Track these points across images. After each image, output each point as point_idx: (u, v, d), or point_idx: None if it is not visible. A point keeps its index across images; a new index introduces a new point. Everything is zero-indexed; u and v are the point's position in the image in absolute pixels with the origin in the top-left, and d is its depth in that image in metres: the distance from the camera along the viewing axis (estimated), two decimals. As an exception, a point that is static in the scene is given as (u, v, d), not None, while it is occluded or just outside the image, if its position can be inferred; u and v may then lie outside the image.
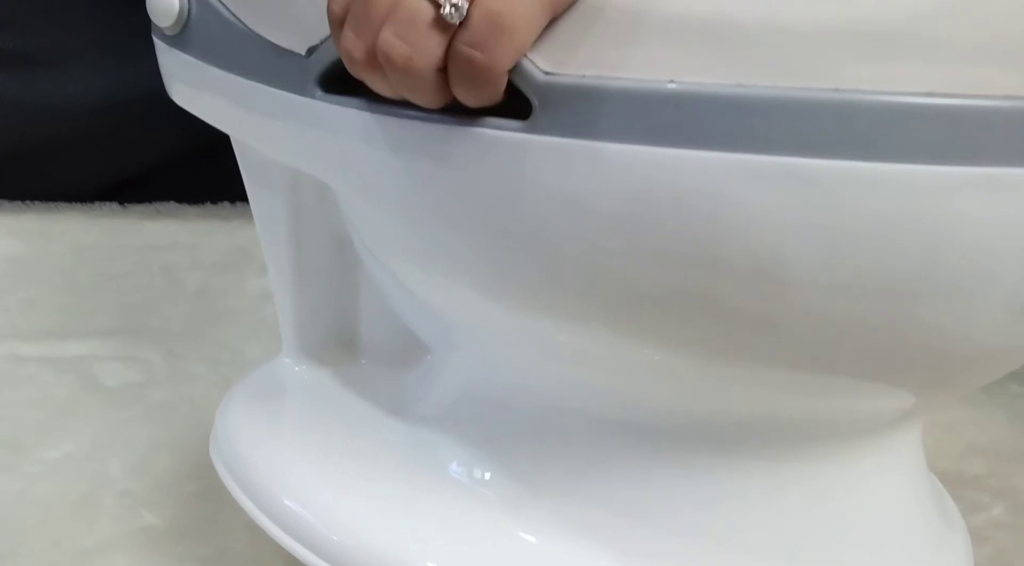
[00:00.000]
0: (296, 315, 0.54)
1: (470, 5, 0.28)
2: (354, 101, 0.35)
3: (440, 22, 0.28)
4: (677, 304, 0.30)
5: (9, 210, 1.08)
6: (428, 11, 0.28)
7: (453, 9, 0.28)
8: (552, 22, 0.29)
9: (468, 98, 0.30)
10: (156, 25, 0.48)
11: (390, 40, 0.29)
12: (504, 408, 0.44)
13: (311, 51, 0.37)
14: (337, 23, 0.32)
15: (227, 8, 0.41)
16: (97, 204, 1.10)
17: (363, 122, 0.34)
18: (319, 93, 0.37)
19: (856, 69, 0.26)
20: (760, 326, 0.29)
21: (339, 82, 0.36)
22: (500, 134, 0.30)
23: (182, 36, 0.45)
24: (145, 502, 0.67)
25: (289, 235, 0.51)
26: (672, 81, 0.27)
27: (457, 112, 0.31)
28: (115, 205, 1.10)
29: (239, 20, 0.41)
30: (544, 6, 0.28)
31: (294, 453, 0.48)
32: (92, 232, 1.05)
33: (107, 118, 1.06)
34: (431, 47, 0.29)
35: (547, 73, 0.29)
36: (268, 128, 0.42)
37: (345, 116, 0.35)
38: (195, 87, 0.46)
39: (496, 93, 0.29)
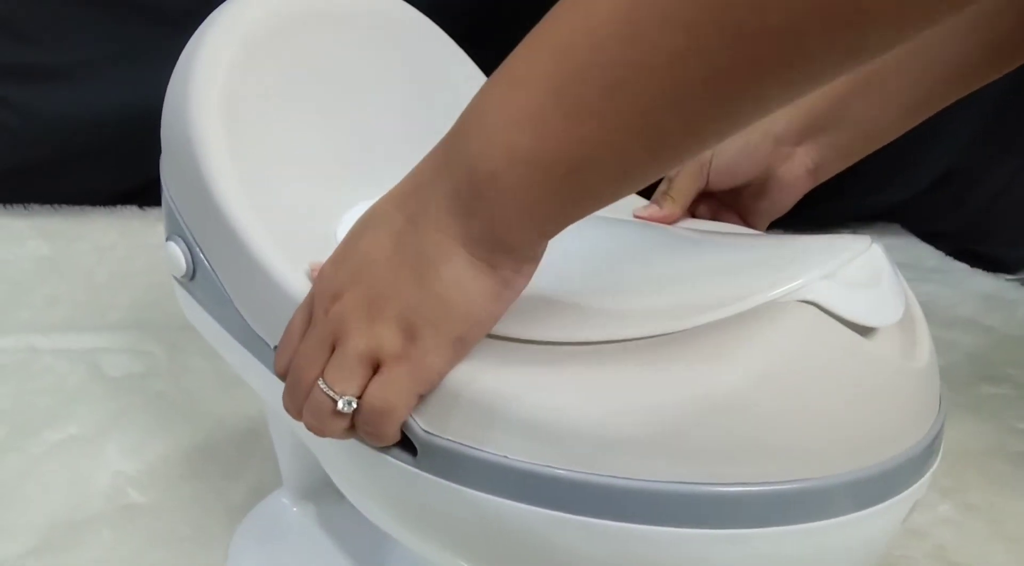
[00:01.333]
0: (292, 468, 0.65)
1: (360, 399, 0.39)
2: None
3: (339, 412, 0.39)
4: None
5: (39, 213, 1.16)
6: (329, 405, 0.39)
7: (347, 404, 0.39)
8: (430, 394, 0.39)
9: (372, 445, 0.42)
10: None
11: (308, 420, 0.40)
12: None
13: (276, 348, 0.46)
14: (280, 377, 0.43)
15: (220, 283, 0.51)
16: (119, 207, 1.17)
17: None
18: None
19: (626, 463, 0.37)
20: None
21: None
22: (396, 463, 0.41)
23: (190, 284, 0.54)
24: (134, 483, 0.73)
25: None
26: (506, 456, 0.39)
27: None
28: (135, 208, 1.17)
29: (228, 296, 0.51)
30: (411, 396, 0.39)
31: None
32: (113, 233, 1.13)
33: (129, 127, 1.13)
34: (336, 426, 0.40)
35: (426, 431, 0.40)
36: (250, 373, 0.52)
37: None
38: (199, 321, 0.55)
39: (390, 442, 0.40)
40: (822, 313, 0.39)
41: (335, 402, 0.39)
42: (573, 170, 0.34)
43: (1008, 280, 1.18)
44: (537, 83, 0.34)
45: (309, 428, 0.40)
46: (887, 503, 0.40)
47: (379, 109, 0.59)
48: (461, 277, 0.37)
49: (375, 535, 0.63)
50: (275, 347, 0.47)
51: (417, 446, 0.40)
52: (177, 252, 0.53)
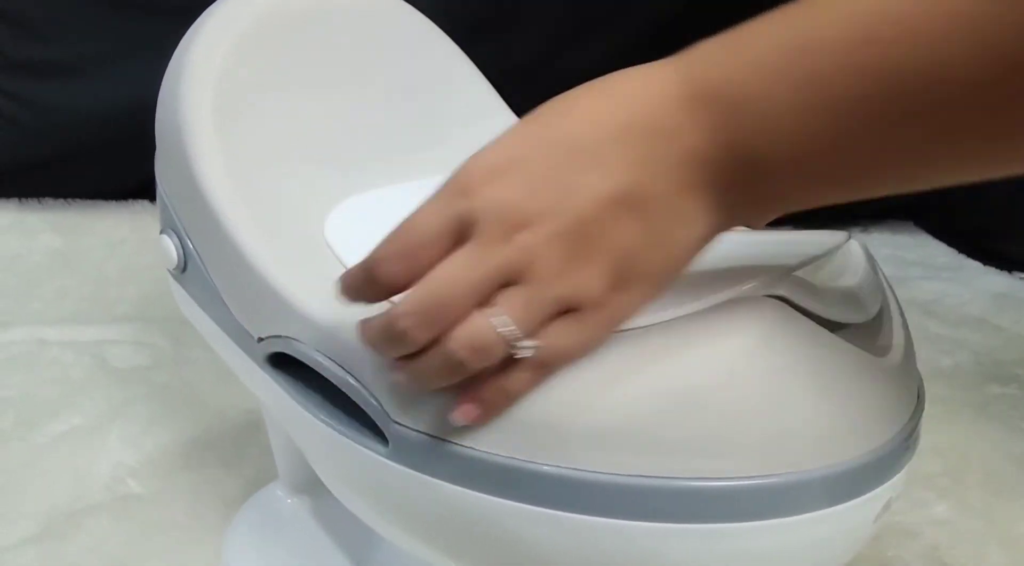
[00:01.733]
0: (287, 461, 0.66)
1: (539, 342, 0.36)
2: (289, 386, 0.47)
3: (508, 354, 0.36)
4: None
5: (52, 207, 1.18)
6: (503, 345, 0.35)
7: (530, 349, 0.36)
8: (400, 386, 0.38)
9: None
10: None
11: (462, 353, 0.35)
12: None
13: (261, 339, 0.48)
14: (388, 285, 0.36)
15: (209, 275, 0.52)
16: (130, 201, 1.19)
17: (291, 405, 0.46)
18: (268, 368, 0.48)
19: (596, 456, 0.37)
20: None
21: (282, 360, 0.47)
22: (368, 452, 0.42)
23: (182, 277, 0.55)
24: (134, 473, 0.74)
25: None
26: (473, 448, 0.38)
27: (347, 426, 0.43)
28: (146, 202, 1.19)
29: (216, 288, 0.52)
30: (597, 344, 0.37)
31: None
32: (124, 227, 1.14)
33: (139, 121, 1.14)
34: (490, 361, 0.36)
35: (395, 421, 0.40)
36: (234, 364, 0.53)
37: (281, 391, 0.47)
38: (192, 313, 0.57)
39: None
40: (790, 308, 0.39)
41: (516, 344, 0.35)
42: (859, 177, 0.34)
43: (1022, 278, 1.16)
44: (844, 98, 0.32)
45: (459, 360, 0.36)
46: (858, 499, 0.40)
47: (374, 107, 0.59)
48: (696, 242, 0.37)
49: (367, 528, 0.64)
50: (259, 338, 0.47)
51: (388, 437, 0.41)
52: (169, 245, 0.54)
